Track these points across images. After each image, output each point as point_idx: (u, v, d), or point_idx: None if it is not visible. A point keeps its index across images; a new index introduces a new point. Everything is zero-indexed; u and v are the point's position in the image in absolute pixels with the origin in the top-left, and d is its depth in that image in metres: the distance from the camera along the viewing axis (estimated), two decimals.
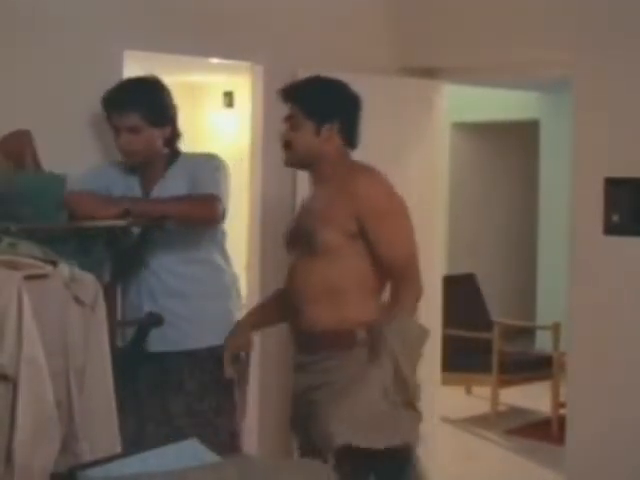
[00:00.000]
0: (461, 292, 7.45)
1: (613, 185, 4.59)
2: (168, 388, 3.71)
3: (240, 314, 3.82)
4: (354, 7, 5.10)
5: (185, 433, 3.26)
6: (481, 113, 9.35)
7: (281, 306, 3.56)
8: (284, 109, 3.50)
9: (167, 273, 3.73)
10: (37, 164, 3.62)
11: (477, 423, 7.03)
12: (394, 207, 3.38)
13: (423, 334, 3.34)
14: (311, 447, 3.29)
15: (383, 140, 4.77)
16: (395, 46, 5.25)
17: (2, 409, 2.79)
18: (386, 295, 3.41)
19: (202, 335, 3.73)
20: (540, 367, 7.15)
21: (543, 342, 8.13)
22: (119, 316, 3.69)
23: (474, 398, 7.66)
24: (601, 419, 4.65)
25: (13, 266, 2.88)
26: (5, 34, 3.83)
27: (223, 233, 3.84)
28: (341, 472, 2.92)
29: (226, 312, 3.79)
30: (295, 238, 3.46)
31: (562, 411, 6.06)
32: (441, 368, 5.55)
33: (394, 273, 3.34)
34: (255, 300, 4.43)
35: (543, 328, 7.95)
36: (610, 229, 4.61)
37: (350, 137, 3.48)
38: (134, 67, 4.05)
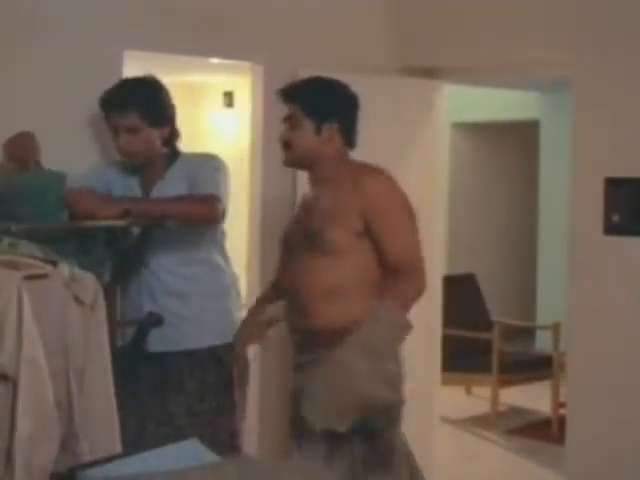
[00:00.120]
0: (461, 292, 7.45)
1: (613, 185, 4.59)
2: (168, 388, 3.71)
3: (240, 314, 3.83)
4: (354, 7, 5.11)
5: (185, 433, 3.27)
6: (481, 113, 9.34)
7: (279, 296, 3.60)
8: (284, 109, 3.50)
9: (167, 273, 3.73)
10: (39, 166, 3.62)
11: (477, 423, 7.03)
12: (401, 206, 3.40)
13: (403, 325, 3.34)
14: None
15: (383, 140, 4.77)
16: (395, 46, 5.25)
17: (2, 409, 2.79)
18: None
19: (202, 335, 3.74)
20: (540, 367, 7.15)
21: (543, 342, 8.13)
22: (119, 316, 3.69)
23: (474, 398, 7.66)
24: (601, 419, 4.65)
25: (13, 266, 2.89)
26: (5, 34, 3.83)
27: (223, 233, 3.84)
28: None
29: (226, 312, 3.80)
30: (298, 238, 3.45)
31: (562, 411, 6.05)
32: (441, 368, 5.55)
33: (399, 271, 3.35)
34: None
35: (543, 328, 7.95)
36: (610, 229, 4.61)
37: (349, 137, 3.49)
38: (134, 67, 4.05)
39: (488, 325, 7.22)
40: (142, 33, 4.26)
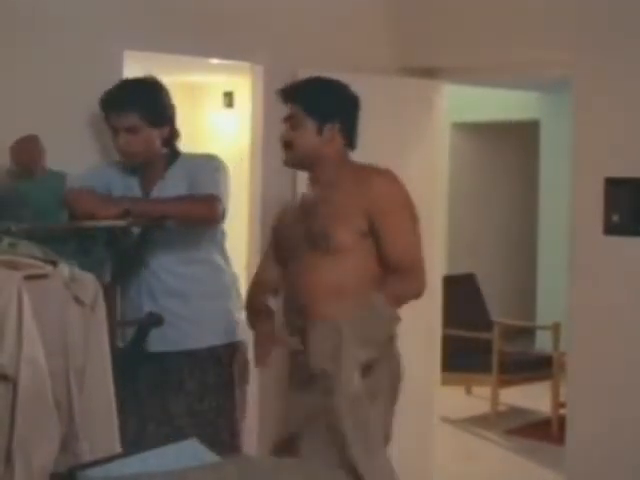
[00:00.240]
0: (461, 292, 7.45)
1: (613, 185, 4.59)
2: (168, 388, 3.71)
3: (240, 314, 3.82)
4: (354, 7, 5.11)
5: (185, 433, 3.27)
6: (481, 113, 9.35)
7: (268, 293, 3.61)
8: (284, 109, 3.50)
9: (167, 273, 3.73)
10: (44, 170, 3.61)
11: (477, 423, 7.03)
12: (404, 206, 3.40)
13: (391, 317, 3.35)
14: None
15: (383, 140, 4.77)
16: (395, 46, 5.25)
17: (2, 409, 2.79)
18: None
19: (202, 335, 3.74)
20: (540, 367, 7.15)
21: (543, 342, 8.13)
22: (119, 316, 3.69)
23: (474, 398, 7.66)
24: (601, 419, 4.65)
25: (13, 266, 2.89)
26: (5, 34, 3.83)
27: (223, 233, 3.84)
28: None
29: (226, 312, 3.80)
30: (298, 238, 3.44)
31: (562, 411, 6.05)
32: (441, 368, 5.55)
33: (399, 271, 3.36)
34: None
35: (543, 328, 7.95)
36: (610, 229, 4.61)
37: (350, 138, 3.49)
38: (134, 67, 4.05)
39: (488, 325, 7.22)
40: (142, 33, 4.26)
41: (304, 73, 3.90)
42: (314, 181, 3.51)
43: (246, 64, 4.82)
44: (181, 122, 3.86)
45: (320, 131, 3.42)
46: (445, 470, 5.52)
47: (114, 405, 3.07)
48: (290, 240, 3.50)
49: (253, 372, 4.08)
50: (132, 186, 3.77)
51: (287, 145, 3.48)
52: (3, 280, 2.82)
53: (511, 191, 10.20)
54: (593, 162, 4.68)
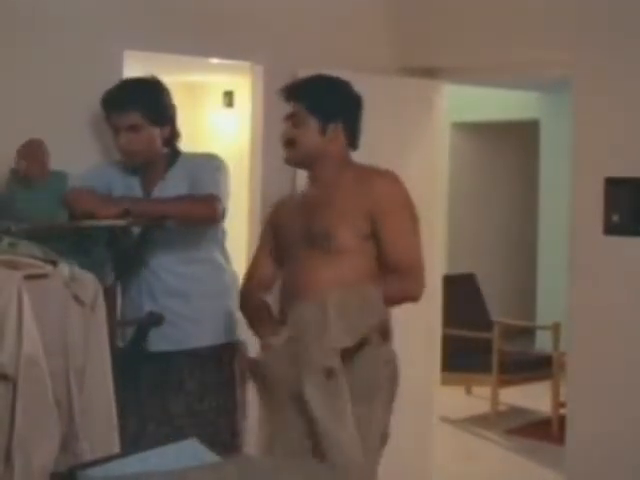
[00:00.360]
0: (461, 292, 7.45)
1: (613, 185, 4.59)
2: (168, 388, 3.71)
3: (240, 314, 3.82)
4: (354, 7, 5.10)
5: (185, 433, 3.26)
6: (481, 113, 9.35)
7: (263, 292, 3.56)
8: (284, 109, 3.47)
9: (168, 272, 3.73)
10: (48, 172, 3.60)
11: (477, 423, 7.03)
12: (405, 207, 3.38)
13: (381, 312, 3.30)
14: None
15: (383, 140, 4.77)
16: (395, 46, 5.25)
17: (2, 408, 2.79)
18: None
19: (202, 334, 3.74)
20: (540, 367, 7.15)
21: (543, 342, 8.13)
22: (119, 316, 3.69)
23: (474, 398, 7.66)
24: (601, 419, 4.65)
25: (13, 266, 2.89)
26: (5, 34, 3.83)
27: (224, 232, 3.85)
28: None
29: (227, 311, 3.79)
30: (296, 236, 3.42)
31: (562, 411, 6.05)
32: (441, 368, 5.55)
33: (398, 272, 3.33)
34: None
35: (543, 328, 7.95)
36: (610, 229, 4.61)
37: (353, 138, 3.47)
38: (134, 67, 4.05)
39: (488, 325, 7.22)
40: (142, 33, 4.26)
41: (304, 73, 3.89)
42: (314, 180, 3.49)
43: (246, 64, 4.82)
44: (181, 122, 3.86)
45: (323, 130, 3.39)
46: (445, 470, 5.52)
47: (114, 405, 3.07)
48: (287, 236, 3.47)
49: None
50: (133, 186, 3.77)
51: (289, 143, 3.44)
52: (3, 280, 2.83)
53: (511, 191, 10.20)
54: (593, 162, 4.68)
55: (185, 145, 3.87)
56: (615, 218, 4.59)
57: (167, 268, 3.73)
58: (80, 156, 3.90)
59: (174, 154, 3.79)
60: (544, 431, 6.71)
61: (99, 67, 4.04)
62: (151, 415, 3.70)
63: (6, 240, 3.02)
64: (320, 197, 3.43)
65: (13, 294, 2.81)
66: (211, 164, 3.76)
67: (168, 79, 3.82)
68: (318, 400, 3.12)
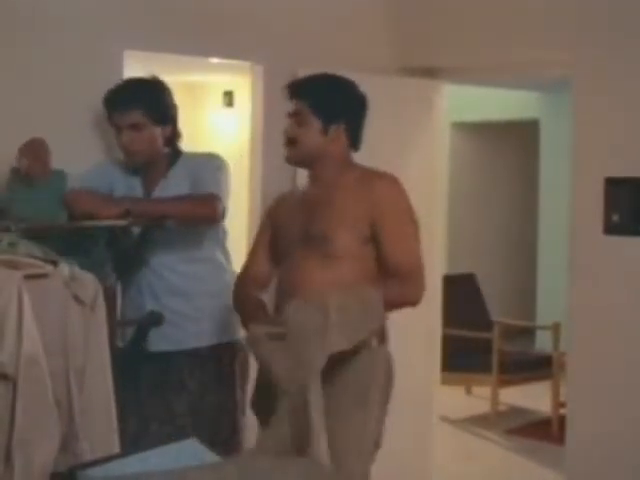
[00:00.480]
0: (461, 292, 7.45)
1: (613, 185, 4.59)
2: (169, 387, 3.71)
3: None
4: (354, 7, 5.11)
5: (186, 432, 3.27)
6: (481, 113, 9.35)
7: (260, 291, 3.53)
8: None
9: (169, 272, 3.73)
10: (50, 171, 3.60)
11: (477, 423, 7.03)
12: (405, 211, 3.36)
13: (379, 313, 3.27)
14: None
15: (383, 140, 4.77)
16: (395, 46, 5.25)
17: (2, 408, 2.79)
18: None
19: (203, 333, 3.74)
20: (540, 367, 7.15)
21: (543, 342, 8.13)
22: (119, 316, 3.69)
23: (474, 398, 7.66)
24: (601, 419, 4.65)
25: (13, 266, 2.89)
26: (5, 34, 3.83)
27: (224, 231, 3.85)
28: None
29: (227, 310, 3.79)
30: (294, 236, 3.40)
31: (562, 411, 6.05)
32: (441, 368, 5.55)
33: (397, 276, 3.31)
34: None
35: (543, 328, 7.95)
36: (610, 229, 4.61)
37: (355, 139, 3.45)
38: (134, 67, 4.06)
39: (488, 325, 7.22)
40: (142, 33, 4.26)
41: (304, 73, 3.88)
42: (314, 179, 3.47)
43: (246, 64, 4.82)
44: (181, 121, 3.86)
45: (325, 130, 3.38)
46: (445, 470, 5.52)
47: (114, 405, 3.07)
48: (285, 234, 3.46)
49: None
50: (134, 186, 3.77)
51: (291, 142, 3.42)
52: (3, 280, 2.83)
53: (511, 191, 10.20)
54: (593, 162, 4.68)
55: (185, 145, 3.87)
56: (615, 218, 4.59)
57: (169, 267, 3.73)
58: (80, 156, 3.90)
59: (175, 154, 3.80)
60: (544, 431, 6.71)
61: (99, 67, 4.04)
62: (152, 415, 3.70)
63: (6, 240, 3.02)
64: (320, 197, 3.41)
65: (13, 294, 2.80)
66: (212, 163, 3.77)
67: (168, 79, 3.83)
68: (318, 400, 3.12)
